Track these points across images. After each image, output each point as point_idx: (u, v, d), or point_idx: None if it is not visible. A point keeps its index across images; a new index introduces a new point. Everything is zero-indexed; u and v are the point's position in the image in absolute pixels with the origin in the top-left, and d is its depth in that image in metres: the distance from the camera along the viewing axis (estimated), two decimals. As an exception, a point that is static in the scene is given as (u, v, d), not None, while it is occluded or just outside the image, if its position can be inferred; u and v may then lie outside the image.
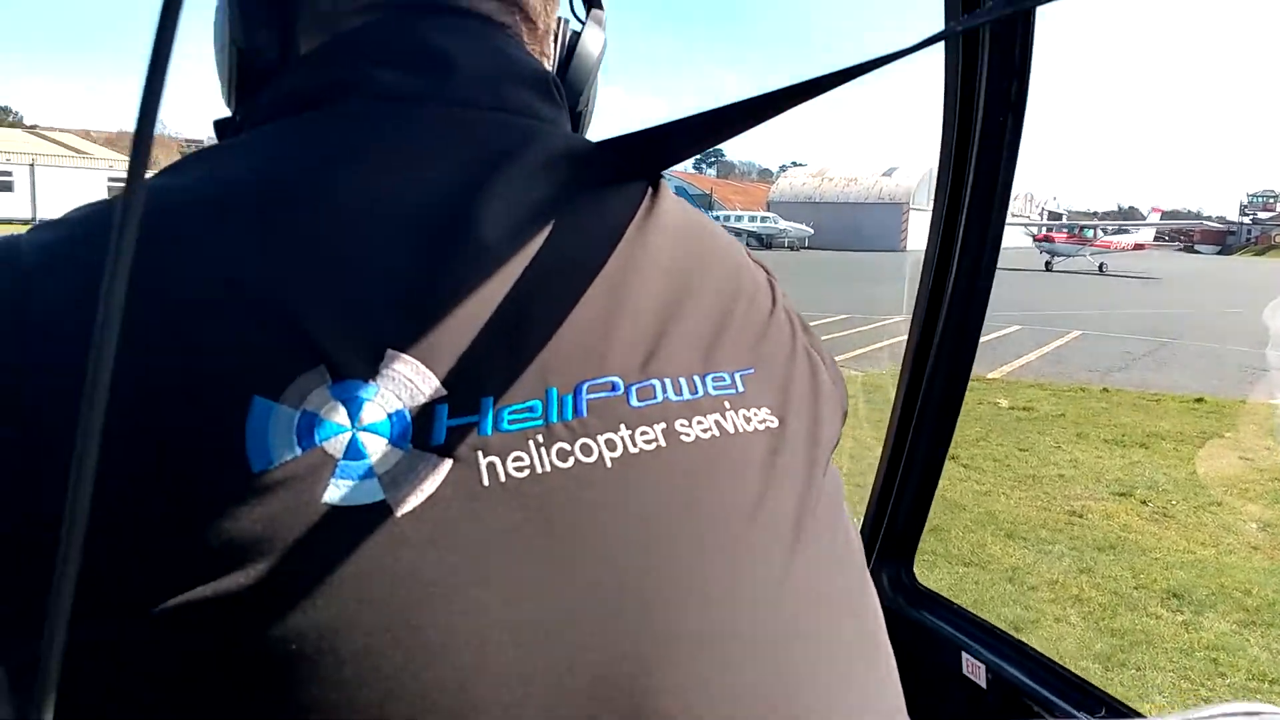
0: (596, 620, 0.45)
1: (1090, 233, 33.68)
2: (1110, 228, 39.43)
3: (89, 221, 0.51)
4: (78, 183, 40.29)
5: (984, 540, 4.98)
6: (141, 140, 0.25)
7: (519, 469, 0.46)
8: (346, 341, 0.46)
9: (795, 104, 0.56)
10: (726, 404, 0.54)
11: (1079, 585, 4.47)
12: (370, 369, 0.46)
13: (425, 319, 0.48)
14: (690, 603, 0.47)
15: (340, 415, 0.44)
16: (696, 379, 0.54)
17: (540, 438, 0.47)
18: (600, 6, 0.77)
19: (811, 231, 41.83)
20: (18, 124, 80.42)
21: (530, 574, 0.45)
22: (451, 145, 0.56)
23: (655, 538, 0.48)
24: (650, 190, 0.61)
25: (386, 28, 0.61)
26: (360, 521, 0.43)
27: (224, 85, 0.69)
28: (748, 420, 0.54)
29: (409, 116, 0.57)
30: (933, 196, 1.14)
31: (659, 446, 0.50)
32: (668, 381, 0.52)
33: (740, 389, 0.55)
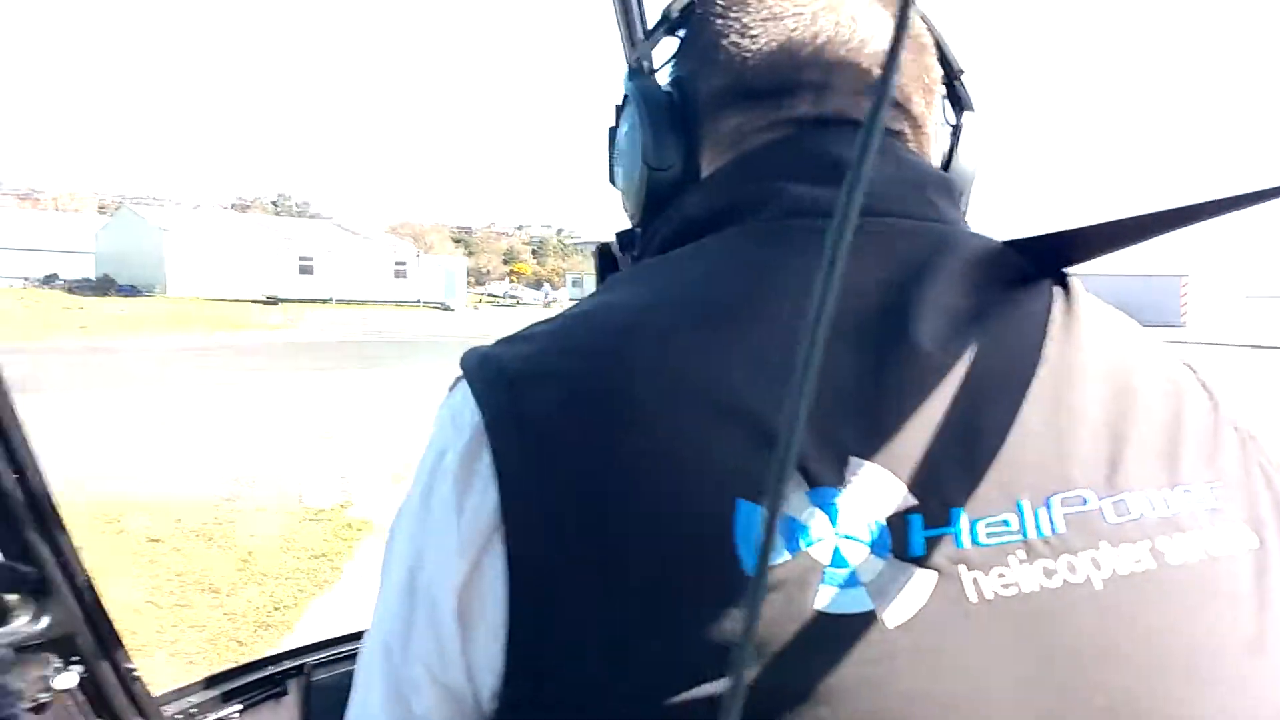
0: None
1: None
2: None
3: (560, 336, 0.55)
4: (364, 266, 45.49)
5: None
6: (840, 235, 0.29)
7: (1004, 586, 0.46)
8: (814, 448, 0.47)
9: (1200, 220, 0.55)
10: (1203, 522, 0.51)
11: None
12: (839, 476, 0.47)
13: (880, 427, 0.49)
14: None
15: (820, 522, 0.45)
16: (1166, 493, 0.51)
17: (1021, 554, 0.46)
18: (972, 109, 0.77)
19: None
20: (316, 216, 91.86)
21: (1030, 696, 0.44)
22: (871, 255, 0.56)
23: (1158, 666, 0.46)
24: (1062, 290, 0.60)
25: (793, 144, 0.63)
26: (851, 630, 0.43)
27: (633, 202, 0.74)
28: (1228, 540, 0.51)
29: (825, 229, 0.58)
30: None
31: (1147, 569, 0.48)
32: (1139, 496, 0.50)
33: (1213, 505, 0.52)
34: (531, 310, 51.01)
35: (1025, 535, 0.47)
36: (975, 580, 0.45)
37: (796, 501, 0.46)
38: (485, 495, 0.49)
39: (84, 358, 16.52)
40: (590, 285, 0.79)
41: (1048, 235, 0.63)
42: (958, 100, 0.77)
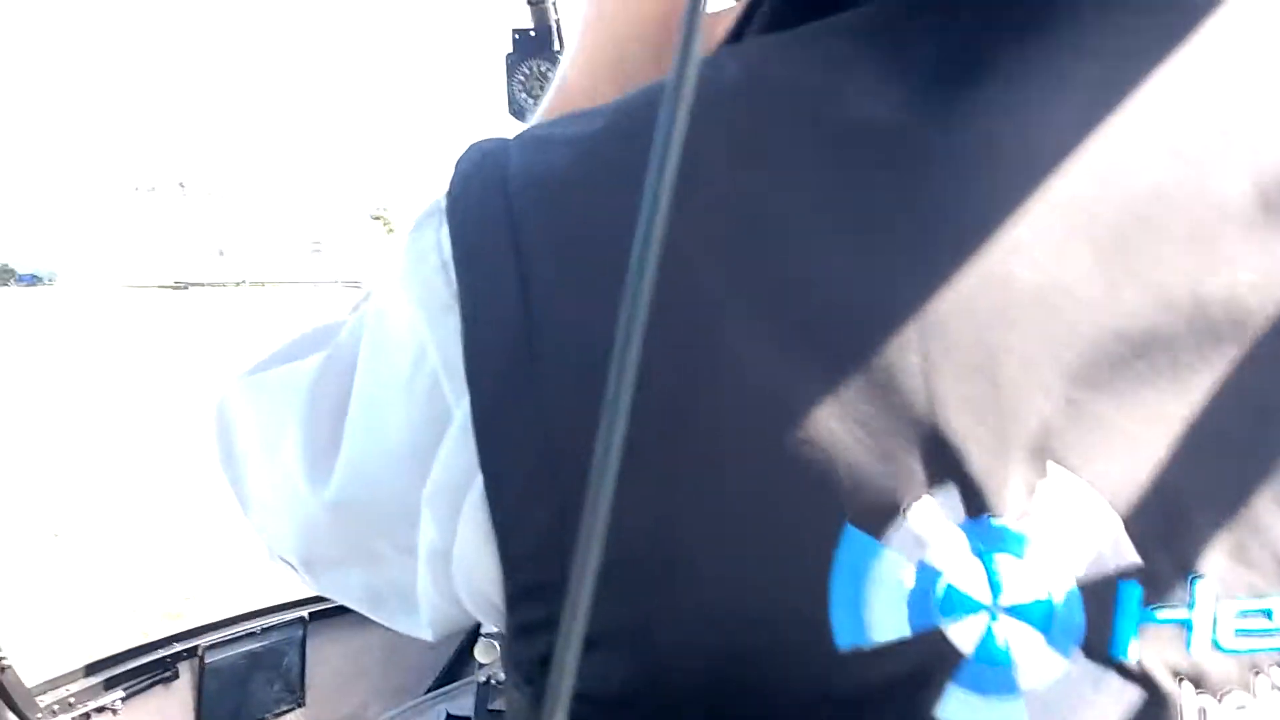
0: None
1: None
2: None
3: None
4: (279, 245, 44.37)
5: None
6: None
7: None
8: (984, 441, 0.27)
9: None
10: None
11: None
12: (1019, 491, 0.27)
13: (1092, 410, 0.28)
14: None
15: (975, 580, 0.27)
16: None
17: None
18: None
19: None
20: (226, 198, 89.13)
21: None
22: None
23: None
24: None
25: None
26: None
27: None
28: None
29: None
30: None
31: None
32: None
33: None
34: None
35: None
36: (1202, 711, 0.28)
37: (943, 541, 0.27)
38: None
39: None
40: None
41: None
42: None
